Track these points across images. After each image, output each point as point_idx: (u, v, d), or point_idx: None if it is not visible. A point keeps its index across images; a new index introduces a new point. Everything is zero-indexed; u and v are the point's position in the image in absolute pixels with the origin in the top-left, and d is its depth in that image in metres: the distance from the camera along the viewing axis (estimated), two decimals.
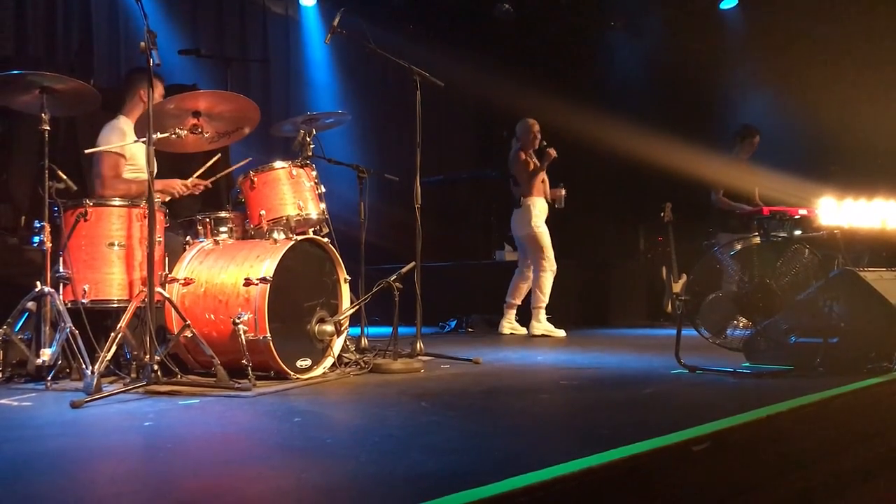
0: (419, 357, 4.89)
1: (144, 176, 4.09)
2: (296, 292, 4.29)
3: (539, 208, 7.20)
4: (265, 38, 9.58)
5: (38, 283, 3.95)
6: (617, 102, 10.06)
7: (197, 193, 5.02)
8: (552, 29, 10.18)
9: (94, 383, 3.57)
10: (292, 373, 4.11)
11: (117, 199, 4.29)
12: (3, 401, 3.56)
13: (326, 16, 9.50)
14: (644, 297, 9.38)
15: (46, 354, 3.88)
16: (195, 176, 4.89)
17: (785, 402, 3.02)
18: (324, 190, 4.65)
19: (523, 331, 7.31)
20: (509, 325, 7.39)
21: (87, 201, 4.16)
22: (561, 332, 7.15)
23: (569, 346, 6.51)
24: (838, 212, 4.65)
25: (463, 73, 8.30)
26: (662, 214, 8.61)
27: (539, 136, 7.30)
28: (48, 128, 4.03)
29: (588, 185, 8.07)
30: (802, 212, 4.80)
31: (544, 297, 7.16)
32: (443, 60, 6.84)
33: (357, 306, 4.62)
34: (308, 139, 4.74)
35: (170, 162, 5.05)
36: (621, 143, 8.65)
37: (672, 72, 9.70)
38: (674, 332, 4.43)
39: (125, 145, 4.75)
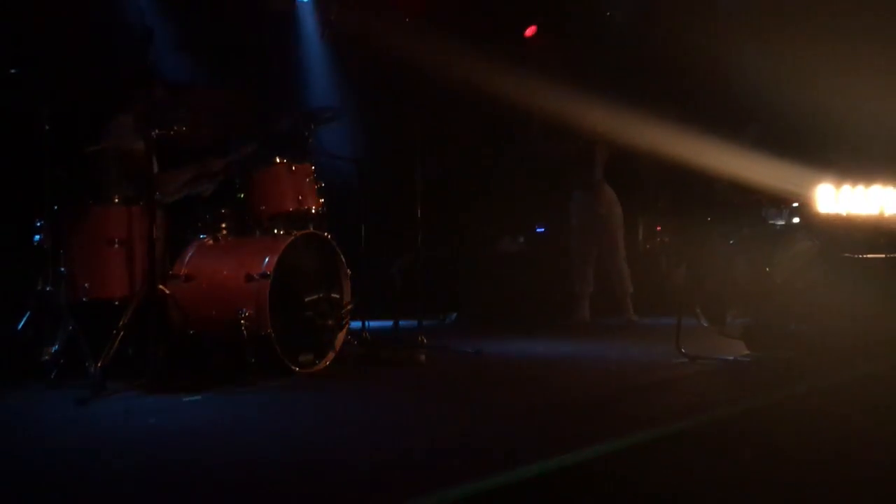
0: (422, 349, 4.89)
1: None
2: (297, 287, 4.29)
3: None
4: (262, 32, 9.55)
5: (40, 280, 3.96)
6: (611, 91, 10.03)
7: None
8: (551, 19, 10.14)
9: (98, 381, 3.58)
10: (295, 367, 4.13)
11: (117, 197, 4.29)
12: (9, 398, 3.57)
13: (323, 9, 9.46)
14: (643, 287, 9.38)
15: (50, 352, 3.89)
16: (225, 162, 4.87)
17: (785, 390, 3.03)
18: (322, 184, 4.65)
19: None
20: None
21: (87, 199, 4.17)
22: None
23: (569, 335, 6.52)
24: (836, 199, 4.66)
25: (469, 69, 8.27)
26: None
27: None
28: (48, 126, 4.04)
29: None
30: (795, 205, 4.81)
31: None
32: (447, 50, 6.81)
33: (356, 301, 4.62)
34: (307, 134, 4.74)
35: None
36: (618, 131, 8.63)
37: (666, 57, 9.67)
38: (674, 321, 4.45)
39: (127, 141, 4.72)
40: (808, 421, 3.00)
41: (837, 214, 4.61)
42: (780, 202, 5.12)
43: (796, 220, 5.12)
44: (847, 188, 4.67)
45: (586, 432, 2.60)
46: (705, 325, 4.70)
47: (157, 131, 3.93)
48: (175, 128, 4.11)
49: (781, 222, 4.88)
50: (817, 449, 2.75)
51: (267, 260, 4.10)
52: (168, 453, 2.58)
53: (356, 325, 5.13)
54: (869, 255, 4.27)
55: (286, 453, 2.50)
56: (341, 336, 4.47)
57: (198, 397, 3.51)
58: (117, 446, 2.75)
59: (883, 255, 4.31)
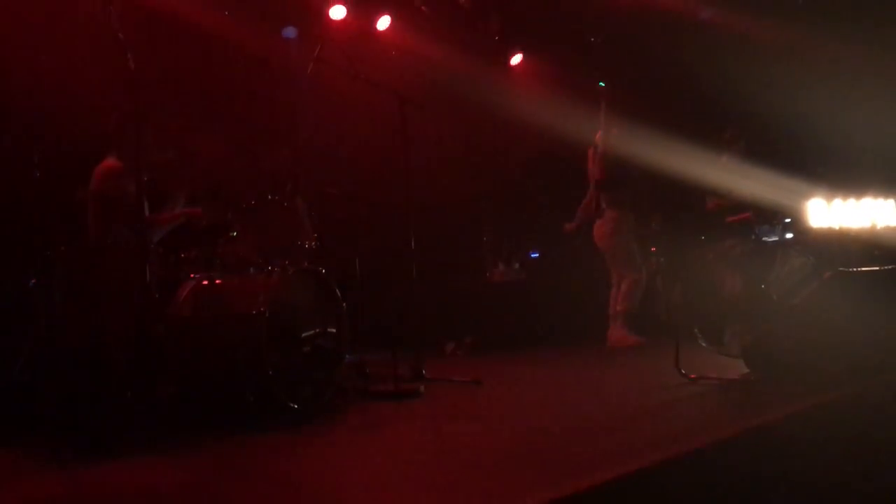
0: (420, 380, 4.86)
1: None
2: (293, 323, 4.27)
3: None
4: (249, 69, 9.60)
5: (34, 326, 3.95)
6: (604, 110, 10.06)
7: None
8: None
9: (97, 427, 3.55)
10: (294, 404, 4.09)
11: (109, 240, 4.29)
12: (5, 448, 3.54)
13: (308, 46, 9.52)
14: (641, 308, 9.36)
15: (47, 399, 3.86)
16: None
17: (786, 408, 3.02)
18: (316, 220, 4.65)
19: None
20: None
21: (80, 243, 4.17)
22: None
23: (568, 359, 6.50)
24: (828, 213, 4.67)
25: (459, 96, 8.30)
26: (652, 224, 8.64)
27: None
28: (38, 172, 4.05)
29: (577, 199, 8.08)
30: (787, 220, 4.83)
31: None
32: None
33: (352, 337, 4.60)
34: (298, 170, 4.76)
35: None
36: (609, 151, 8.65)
37: (653, 78, 9.73)
38: (673, 342, 4.43)
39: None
40: (811, 440, 2.99)
41: (830, 228, 4.63)
42: (772, 217, 5.14)
43: (789, 235, 5.15)
44: (839, 201, 4.68)
45: (589, 459, 2.58)
46: (704, 345, 4.70)
47: (146, 177, 3.93)
48: (165, 170, 4.12)
49: (775, 238, 4.89)
50: (821, 468, 2.74)
51: (263, 297, 4.08)
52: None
53: (354, 358, 5.11)
54: (864, 269, 4.28)
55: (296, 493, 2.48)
56: (340, 370, 4.44)
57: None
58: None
59: (877, 268, 4.32)
